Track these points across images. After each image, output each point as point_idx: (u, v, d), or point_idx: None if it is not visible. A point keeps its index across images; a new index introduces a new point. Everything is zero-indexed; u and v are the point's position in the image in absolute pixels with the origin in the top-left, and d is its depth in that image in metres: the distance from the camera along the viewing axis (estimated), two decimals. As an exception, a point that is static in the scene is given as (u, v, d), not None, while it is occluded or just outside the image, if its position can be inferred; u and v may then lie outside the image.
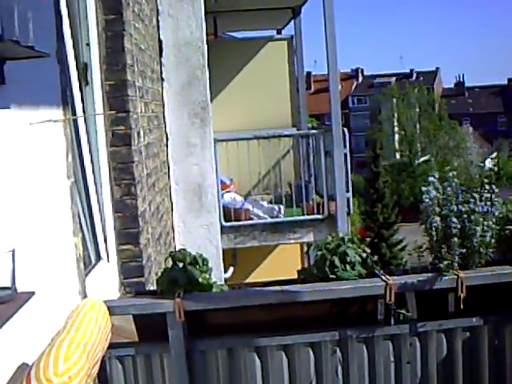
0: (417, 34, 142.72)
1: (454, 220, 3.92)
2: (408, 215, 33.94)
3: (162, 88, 7.74)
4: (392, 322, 3.91)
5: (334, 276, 3.89)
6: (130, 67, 5.38)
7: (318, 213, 9.55)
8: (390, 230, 34.96)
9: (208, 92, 7.96)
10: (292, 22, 12.71)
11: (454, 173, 4.06)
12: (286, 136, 10.62)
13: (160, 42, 7.74)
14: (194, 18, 7.88)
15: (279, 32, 14.06)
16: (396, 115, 58.41)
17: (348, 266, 3.90)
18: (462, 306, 3.98)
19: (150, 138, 6.31)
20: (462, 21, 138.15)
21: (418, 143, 56.36)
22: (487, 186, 4.03)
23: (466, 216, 3.97)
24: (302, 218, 9.58)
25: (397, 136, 58.71)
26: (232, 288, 4.50)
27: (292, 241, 9.79)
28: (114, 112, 5.04)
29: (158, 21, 7.70)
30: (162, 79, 7.76)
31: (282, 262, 11.20)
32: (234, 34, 14.94)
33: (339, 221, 9.23)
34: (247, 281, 11.19)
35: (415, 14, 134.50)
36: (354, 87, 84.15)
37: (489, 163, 61.53)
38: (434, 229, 3.96)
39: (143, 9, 6.51)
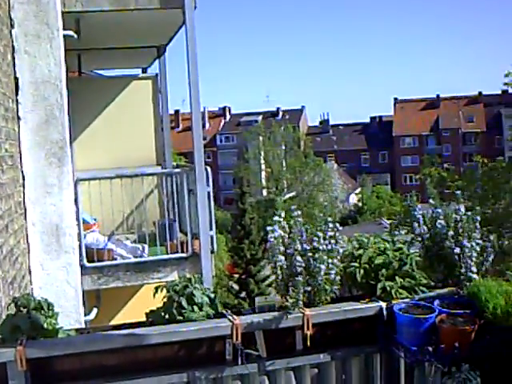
0: (282, 73, 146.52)
1: (299, 259, 4.00)
2: (275, 251, 34.37)
3: (19, 127, 7.54)
4: (239, 361, 3.92)
5: (181, 317, 3.87)
6: (-21, 106, 5.22)
7: (182, 251, 9.48)
8: (257, 266, 35.12)
9: (67, 131, 7.81)
10: (157, 61, 12.71)
11: (299, 212, 4.14)
12: (149, 175, 10.54)
13: (16, 79, 7.55)
14: (52, 56, 7.74)
15: (145, 71, 14.03)
16: (263, 153, 59.38)
17: (196, 307, 3.90)
18: (308, 344, 4.05)
19: (2, 179, 6.12)
20: (326, 60, 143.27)
21: (284, 180, 57.44)
22: (331, 225, 4.14)
23: (310, 254, 4.07)
24: (165, 256, 9.47)
25: (263, 173, 59.64)
26: (80, 333, 4.38)
27: (156, 280, 9.65)
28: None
29: (13, 58, 7.52)
30: (19, 118, 7.56)
31: (149, 302, 11.02)
32: (101, 71, 14.78)
33: (203, 259, 9.21)
34: (112, 322, 10.97)
35: (281, 53, 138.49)
36: (221, 125, 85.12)
37: (353, 199, 63.52)
38: (279, 268, 4.03)
39: (-5, 45, 6.36)
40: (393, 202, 57.82)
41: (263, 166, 59.80)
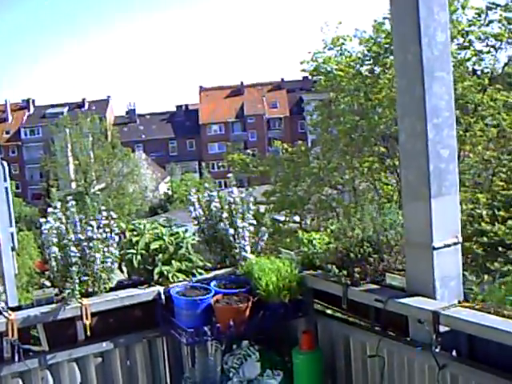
0: (87, 64, 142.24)
1: (73, 249, 4.00)
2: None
3: None
4: (16, 358, 3.84)
5: None
6: None
7: (-21, 251, 9.12)
8: (69, 262, 34.58)
9: None
10: None
11: (73, 203, 4.13)
12: None
13: None
14: None
15: None
16: (69, 145, 57.93)
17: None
18: (89, 333, 4.05)
19: None
20: (131, 51, 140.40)
21: (92, 172, 56.42)
22: (105, 213, 4.15)
23: (85, 244, 4.07)
24: (-40, 257, 9.08)
25: (71, 166, 58.22)
26: None
27: (-50, 284, 9.22)
28: None
29: None
30: None
31: None
32: None
33: (4, 257, 8.89)
34: None
35: (85, 43, 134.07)
36: (25, 118, 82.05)
37: (163, 188, 63.48)
38: (53, 259, 4.01)
39: None
40: (201, 189, 58.23)
41: (71, 159, 58.32)
